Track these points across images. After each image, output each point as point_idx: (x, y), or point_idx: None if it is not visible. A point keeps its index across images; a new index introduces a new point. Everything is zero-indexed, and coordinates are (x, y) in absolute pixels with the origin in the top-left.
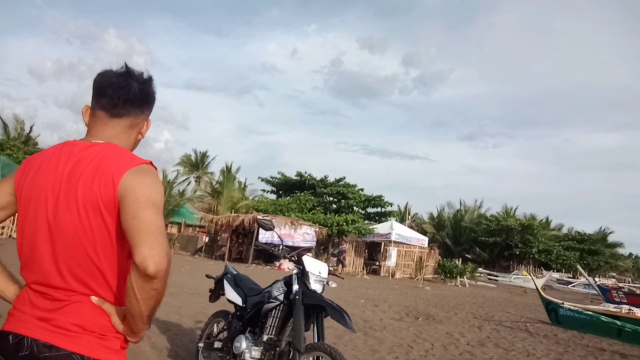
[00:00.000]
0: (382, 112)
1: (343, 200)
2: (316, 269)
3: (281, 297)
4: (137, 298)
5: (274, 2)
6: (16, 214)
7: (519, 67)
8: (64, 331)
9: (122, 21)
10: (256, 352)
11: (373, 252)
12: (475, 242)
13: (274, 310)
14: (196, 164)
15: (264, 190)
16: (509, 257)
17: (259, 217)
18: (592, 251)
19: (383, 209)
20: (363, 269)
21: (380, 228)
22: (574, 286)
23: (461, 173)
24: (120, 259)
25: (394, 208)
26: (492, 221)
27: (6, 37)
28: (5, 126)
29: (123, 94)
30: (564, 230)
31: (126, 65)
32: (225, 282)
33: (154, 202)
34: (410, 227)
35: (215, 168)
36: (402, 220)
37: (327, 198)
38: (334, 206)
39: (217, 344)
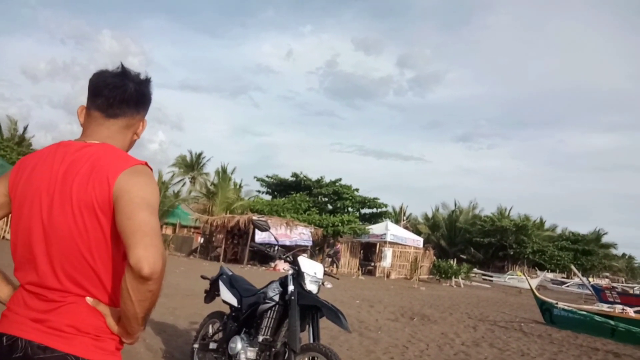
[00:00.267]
0: (377, 113)
1: (339, 201)
2: (311, 269)
3: (277, 298)
4: (132, 299)
5: (269, 3)
6: (10, 215)
7: (513, 69)
8: (59, 332)
9: (116, 22)
10: (251, 352)
11: (368, 252)
12: (470, 242)
13: (269, 311)
14: (191, 164)
15: (259, 191)
16: (504, 258)
17: (254, 217)
18: (586, 251)
19: (378, 210)
20: (358, 269)
21: (376, 229)
22: (567, 286)
23: (456, 174)
24: (115, 260)
25: (389, 209)
26: (487, 222)
27: (0, 37)
28: None
29: (119, 95)
30: (558, 231)
31: (122, 66)
32: (220, 283)
33: (149, 203)
34: (406, 227)
35: (210, 169)
36: (397, 221)
37: (323, 199)
38: (330, 207)
39: (213, 345)
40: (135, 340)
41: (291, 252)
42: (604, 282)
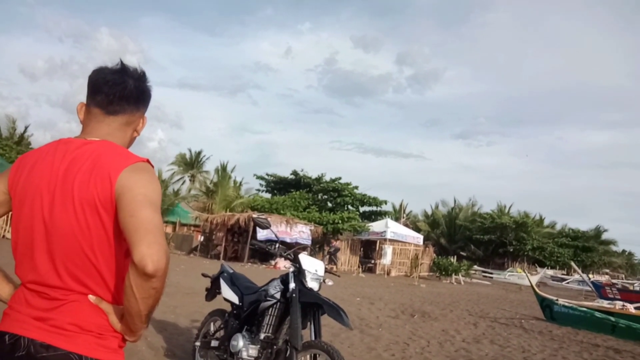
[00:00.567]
0: (376, 111)
1: (339, 198)
2: (312, 267)
3: (278, 295)
4: (136, 297)
5: (268, 1)
6: (10, 214)
7: (511, 66)
8: (61, 331)
9: (114, 20)
10: (253, 350)
11: (368, 250)
12: (469, 239)
13: (270, 309)
14: (191, 163)
15: (258, 190)
16: (504, 255)
17: (255, 215)
18: (585, 248)
19: (378, 208)
20: (359, 267)
21: (376, 226)
22: (568, 283)
23: (455, 171)
24: (117, 258)
25: (389, 207)
26: (487, 219)
27: None
28: None
29: (119, 91)
30: (558, 228)
31: (121, 62)
32: (221, 280)
33: (151, 200)
34: (405, 225)
35: (210, 167)
36: (397, 218)
37: (322, 196)
38: (329, 204)
39: (214, 343)
40: (139, 338)
41: (292, 250)
42: (604, 279)
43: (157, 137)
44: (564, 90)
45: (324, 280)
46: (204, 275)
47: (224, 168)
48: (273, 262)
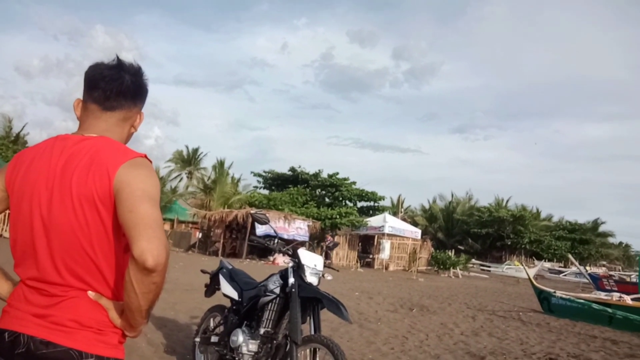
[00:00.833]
0: (373, 106)
1: (337, 192)
2: (311, 261)
3: (277, 291)
4: (136, 292)
5: None
6: (7, 211)
7: (508, 60)
8: (61, 327)
9: (110, 17)
10: (253, 345)
11: (367, 245)
12: (467, 233)
13: (270, 304)
14: (188, 159)
15: (255, 187)
16: (501, 248)
17: (253, 211)
18: (583, 240)
19: (376, 204)
20: (357, 261)
21: (374, 221)
22: (565, 275)
23: (453, 165)
24: (116, 253)
25: (387, 202)
26: (484, 212)
27: None
28: None
29: (116, 87)
30: (554, 220)
31: (118, 58)
32: (220, 276)
33: (150, 195)
34: (403, 219)
35: (207, 164)
36: (395, 213)
37: (320, 192)
38: (327, 200)
39: (214, 339)
40: (139, 333)
41: (291, 245)
42: (601, 271)
43: (153, 134)
44: (561, 83)
45: (323, 275)
46: (203, 271)
47: (221, 164)
48: (272, 258)
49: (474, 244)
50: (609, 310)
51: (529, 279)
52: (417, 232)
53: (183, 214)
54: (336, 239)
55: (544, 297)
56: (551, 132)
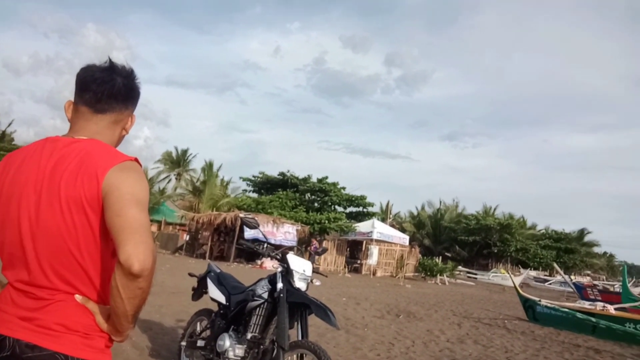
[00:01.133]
0: (364, 111)
1: (326, 197)
2: (300, 267)
3: (265, 295)
4: (122, 297)
5: None
6: None
7: (499, 68)
8: (48, 331)
9: (101, 16)
10: (240, 350)
11: (355, 250)
12: (454, 240)
13: (258, 309)
14: (177, 161)
15: (244, 190)
16: (488, 256)
17: (242, 215)
18: (568, 250)
19: (365, 209)
20: (345, 267)
21: (362, 227)
22: (550, 284)
23: (442, 172)
24: (104, 257)
25: (376, 207)
26: (472, 220)
27: None
28: None
29: (107, 89)
30: (540, 229)
31: (110, 60)
32: (208, 280)
33: (138, 199)
34: (392, 225)
35: (196, 165)
36: (383, 219)
37: (310, 196)
38: (316, 205)
39: (200, 343)
40: (125, 338)
41: (280, 250)
42: (585, 280)
43: (143, 134)
44: (550, 93)
45: (311, 281)
46: (190, 274)
47: (210, 167)
48: (259, 262)
49: (461, 251)
50: (593, 319)
51: (515, 287)
52: (405, 239)
53: (171, 215)
54: (324, 243)
55: (529, 306)
56: (539, 142)
